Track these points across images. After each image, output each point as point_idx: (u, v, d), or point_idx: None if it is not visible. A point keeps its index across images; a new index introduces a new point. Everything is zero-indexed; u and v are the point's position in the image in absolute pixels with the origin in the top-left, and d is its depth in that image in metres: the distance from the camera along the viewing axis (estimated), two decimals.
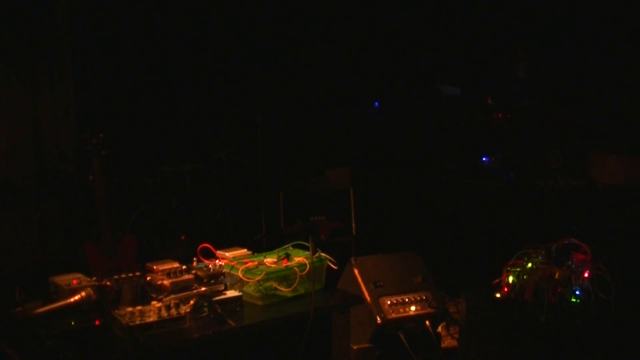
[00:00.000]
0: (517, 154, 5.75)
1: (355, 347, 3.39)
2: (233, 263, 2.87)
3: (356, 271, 3.64)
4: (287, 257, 2.91)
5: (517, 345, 3.11)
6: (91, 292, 2.52)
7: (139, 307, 2.50)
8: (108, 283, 2.68)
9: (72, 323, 2.44)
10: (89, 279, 2.67)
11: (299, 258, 2.93)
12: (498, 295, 3.25)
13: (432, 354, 3.63)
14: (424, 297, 3.67)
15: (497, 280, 3.29)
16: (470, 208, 5.56)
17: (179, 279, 2.75)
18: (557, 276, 3.14)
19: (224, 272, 2.78)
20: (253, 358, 2.69)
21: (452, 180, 5.88)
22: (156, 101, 5.87)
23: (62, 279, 2.66)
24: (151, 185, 5.32)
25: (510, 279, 3.24)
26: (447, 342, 4.09)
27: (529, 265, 3.24)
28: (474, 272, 3.74)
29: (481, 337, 3.23)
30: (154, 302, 2.55)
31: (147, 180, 5.35)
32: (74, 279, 2.64)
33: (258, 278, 2.75)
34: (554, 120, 5.74)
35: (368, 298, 3.55)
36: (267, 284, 2.79)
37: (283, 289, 2.82)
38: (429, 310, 3.65)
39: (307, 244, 2.94)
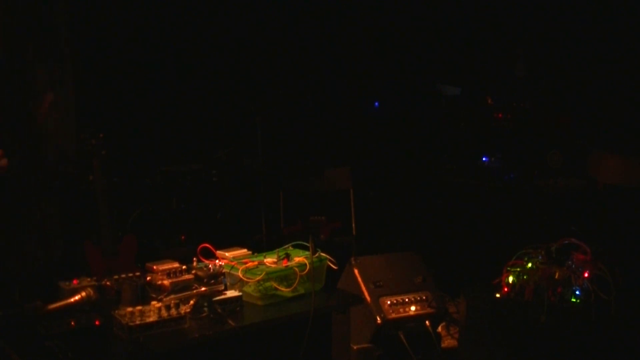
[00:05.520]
0: (517, 154, 5.74)
1: (355, 347, 3.38)
2: (233, 263, 2.87)
3: (356, 271, 3.64)
4: (287, 257, 2.91)
5: (517, 345, 3.11)
6: (91, 292, 2.53)
7: (139, 307, 2.50)
8: (108, 283, 2.68)
9: (72, 323, 2.44)
10: (89, 279, 2.67)
11: (299, 258, 2.93)
12: (498, 295, 3.25)
13: (432, 354, 3.63)
14: (424, 297, 3.67)
15: (497, 280, 3.29)
16: (470, 208, 5.55)
17: (179, 279, 2.75)
18: (557, 276, 3.14)
19: (224, 272, 2.78)
20: (253, 358, 2.70)
21: (452, 180, 5.88)
22: (156, 101, 5.86)
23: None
24: (151, 186, 5.31)
25: (510, 279, 3.24)
26: (447, 342, 4.08)
27: (529, 265, 3.24)
28: (474, 272, 3.74)
29: (481, 337, 3.23)
30: (154, 302, 2.55)
31: (147, 180, 5.34)
32: (73, 278, 2.65)
33: (258, 278, 2.75)
34: (554, 120, 5.73)
35: (368, 298, 3.55)
36: (267, 284, 2.79)
37: (283, 289, 2.82)
38: (429, 310, 3.65)
39: (307, 244, 2.94)
